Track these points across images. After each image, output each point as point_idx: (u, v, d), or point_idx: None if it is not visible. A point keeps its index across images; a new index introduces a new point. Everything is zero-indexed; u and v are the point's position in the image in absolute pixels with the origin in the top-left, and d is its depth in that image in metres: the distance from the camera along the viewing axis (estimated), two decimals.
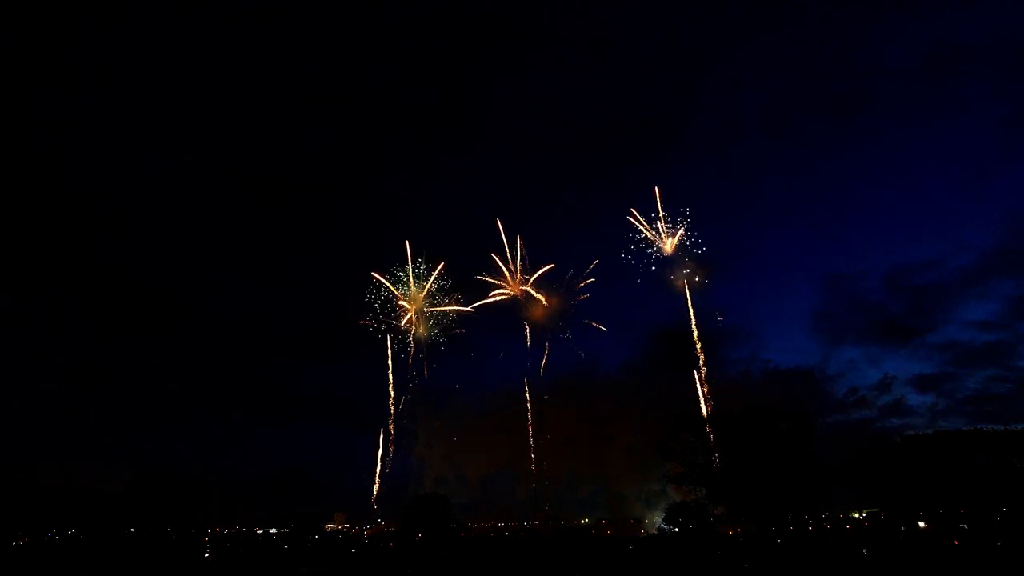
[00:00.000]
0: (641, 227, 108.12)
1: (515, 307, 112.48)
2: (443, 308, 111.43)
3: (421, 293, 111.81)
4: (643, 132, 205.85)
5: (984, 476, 71.69)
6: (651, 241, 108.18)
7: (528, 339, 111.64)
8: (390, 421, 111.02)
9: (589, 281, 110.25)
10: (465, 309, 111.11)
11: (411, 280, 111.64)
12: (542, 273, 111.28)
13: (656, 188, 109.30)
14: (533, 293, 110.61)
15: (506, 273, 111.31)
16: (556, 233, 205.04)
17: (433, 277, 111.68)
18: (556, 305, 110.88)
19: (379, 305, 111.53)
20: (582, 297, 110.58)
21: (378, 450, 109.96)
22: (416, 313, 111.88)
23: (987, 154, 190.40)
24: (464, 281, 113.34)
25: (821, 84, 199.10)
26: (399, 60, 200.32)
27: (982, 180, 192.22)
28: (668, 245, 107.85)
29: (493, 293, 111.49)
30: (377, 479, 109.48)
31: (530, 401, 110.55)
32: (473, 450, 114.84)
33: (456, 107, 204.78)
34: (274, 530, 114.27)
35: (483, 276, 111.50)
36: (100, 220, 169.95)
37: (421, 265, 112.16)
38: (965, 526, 72.69)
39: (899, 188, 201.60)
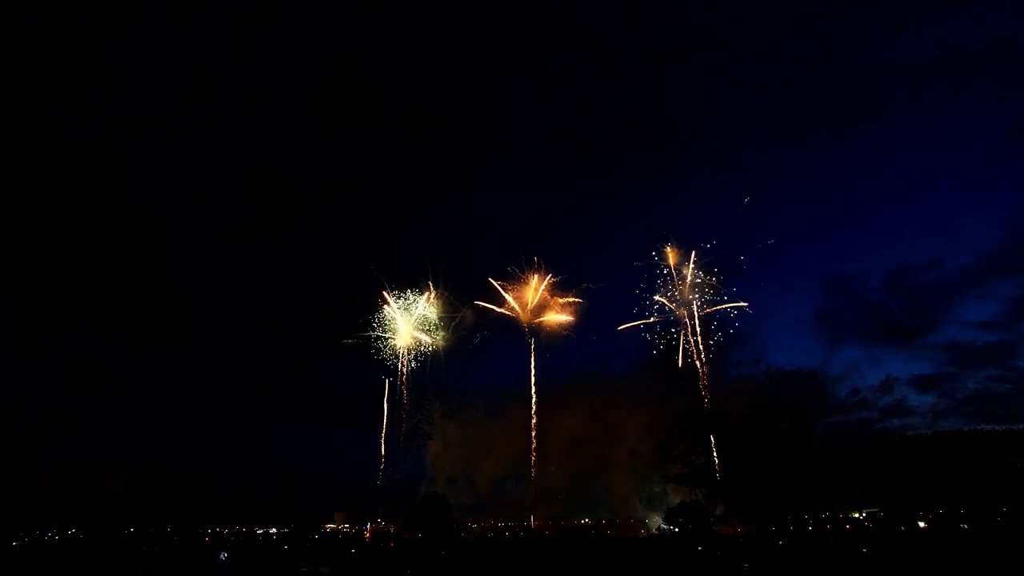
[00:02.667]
0: (656, 262, 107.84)
1: (523, 311, 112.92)
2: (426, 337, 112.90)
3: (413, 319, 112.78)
4: (645, 135, 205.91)
5: (984, 476, 71.79)
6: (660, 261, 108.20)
7: (537, 343, 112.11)
8: (387, 423, 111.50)
9: (600, 286, 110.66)
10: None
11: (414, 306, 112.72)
12: (552, 282, 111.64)
13: (667, 249, 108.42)
14: (546, 299, 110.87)
15: (517, 285, 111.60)
16: (561, 238, 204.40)
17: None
18: (567, 311, 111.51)
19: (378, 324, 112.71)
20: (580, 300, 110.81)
21: (381, 451, 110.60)
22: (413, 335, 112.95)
23: (987, 154, 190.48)
24: (470, 284, 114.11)
25: (822, 86, 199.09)
26: (400, 63, 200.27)
27: (982, 180, 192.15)
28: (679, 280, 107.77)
29: (505, 308, 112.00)
30: (379, 481, 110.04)
31: (535, 403, 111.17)
32: (481, 452, 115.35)
33: (459, 111, 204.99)
34: (274, 530, 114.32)
35: (497, 283, 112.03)
36: (100, 220, 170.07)
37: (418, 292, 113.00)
38: (965, 526, 72.81)
39: (899, 188, 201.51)
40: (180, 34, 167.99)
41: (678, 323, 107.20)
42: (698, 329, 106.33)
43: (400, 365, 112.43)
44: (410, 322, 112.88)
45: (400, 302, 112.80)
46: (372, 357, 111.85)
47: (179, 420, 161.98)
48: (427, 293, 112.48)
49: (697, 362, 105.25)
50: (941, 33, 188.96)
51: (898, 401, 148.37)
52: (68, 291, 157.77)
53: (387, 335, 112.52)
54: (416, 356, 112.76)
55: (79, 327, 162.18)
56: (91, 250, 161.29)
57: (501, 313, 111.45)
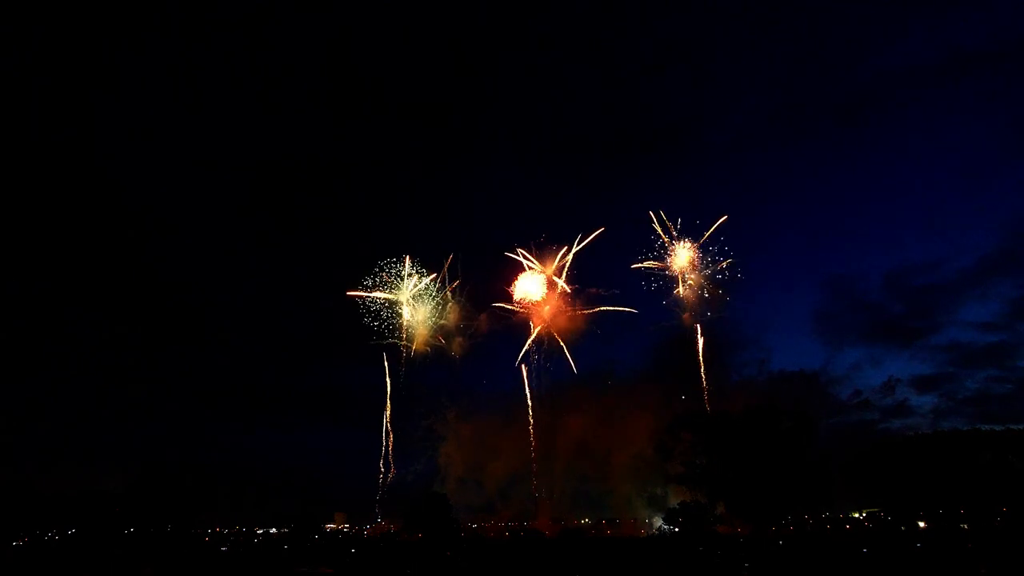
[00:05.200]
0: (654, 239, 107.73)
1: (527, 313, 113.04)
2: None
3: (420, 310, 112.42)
4: (647, 137, 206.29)
5: (984, 476, 71.81)
6: (663, 247, 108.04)
7: (539, 344, 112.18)
8: (387, 422, 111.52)
9: (614, 293, 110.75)
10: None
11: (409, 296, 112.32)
12: (561, 289, 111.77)
13: (652, 213, 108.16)
14: (561, 300, 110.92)
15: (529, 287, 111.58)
16: (562, 240, 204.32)
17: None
18: (575, 314, 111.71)
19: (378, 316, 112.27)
20: (599, 308, 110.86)
21: (382, 451, 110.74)
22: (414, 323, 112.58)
23: (987, 154, 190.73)
24: (471, 283, 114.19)
25: (823, 88, 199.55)
26: (404, 63, 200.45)
27: (982, 181, 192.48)
28: (677, 262, 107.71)
29: (519, 308, 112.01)
30: (380, 481, 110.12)
31: (539, 404, 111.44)
32: (491, 453, 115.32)
33: (460, 114, 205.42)
34: (274, 530, 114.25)
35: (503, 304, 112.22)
36: (100, 219, 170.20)
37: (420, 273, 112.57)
38: (965, 526, 72.78)
39: (899, 189, 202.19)
40: (187, 37, 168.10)
41: (680, 325, 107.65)
42: (699, 331, 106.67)
43: (407, 365, 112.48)
44: (422, 324, 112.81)
45: (410, 304, 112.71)
46: (378, 358, 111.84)
47: (179, 420, 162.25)
48: (440, 295, 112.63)
49: (700, 364, 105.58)
50: (942, 34, 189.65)
51: (899, 402, 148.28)
52: (69, 292, 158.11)
53: (397, 340, 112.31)
54: (428, 358, 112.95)
55: (79, 327, 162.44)
56: (92, 251, 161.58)
57: (516, 313, 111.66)
